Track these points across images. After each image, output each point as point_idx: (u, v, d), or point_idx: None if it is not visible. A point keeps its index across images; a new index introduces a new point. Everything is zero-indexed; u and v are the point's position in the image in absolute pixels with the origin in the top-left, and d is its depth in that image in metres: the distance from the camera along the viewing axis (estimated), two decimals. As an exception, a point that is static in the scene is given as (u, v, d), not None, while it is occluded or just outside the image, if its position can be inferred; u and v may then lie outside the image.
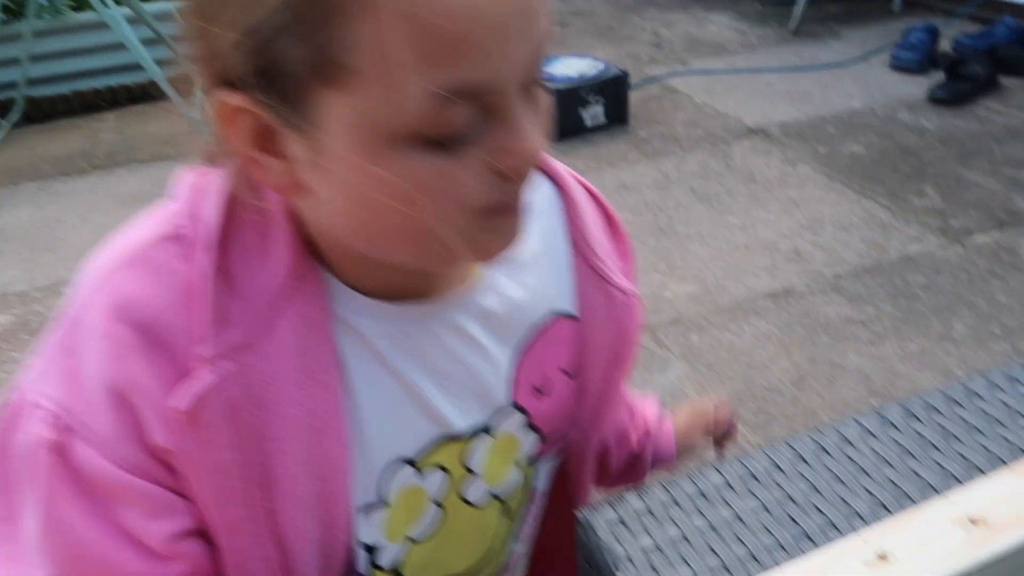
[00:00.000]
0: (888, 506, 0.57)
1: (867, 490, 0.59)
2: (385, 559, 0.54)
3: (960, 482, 0.58)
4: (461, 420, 0.53)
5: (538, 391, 0.57)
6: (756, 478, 0.61)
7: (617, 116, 2.94)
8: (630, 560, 0.54)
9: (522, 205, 0.46)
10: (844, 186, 2.58)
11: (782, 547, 0.54)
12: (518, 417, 0.56)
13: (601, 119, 2.93)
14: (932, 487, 0.58)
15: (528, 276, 0.55)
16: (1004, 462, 0.60)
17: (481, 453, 0.55)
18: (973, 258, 2.18)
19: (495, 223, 0.44)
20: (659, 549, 0.55)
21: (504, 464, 0.57)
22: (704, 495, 0.59)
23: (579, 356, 0.59)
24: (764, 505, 0.58)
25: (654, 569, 0.53)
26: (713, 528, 0.56)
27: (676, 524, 0.57)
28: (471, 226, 0.43)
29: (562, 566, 0.71)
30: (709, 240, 2.32)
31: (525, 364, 0.55)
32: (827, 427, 0.65)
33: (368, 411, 0.49)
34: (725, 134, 2.94)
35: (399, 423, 0.51)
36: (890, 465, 0.61)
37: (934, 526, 0.45)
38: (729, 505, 0.58)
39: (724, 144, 2.88)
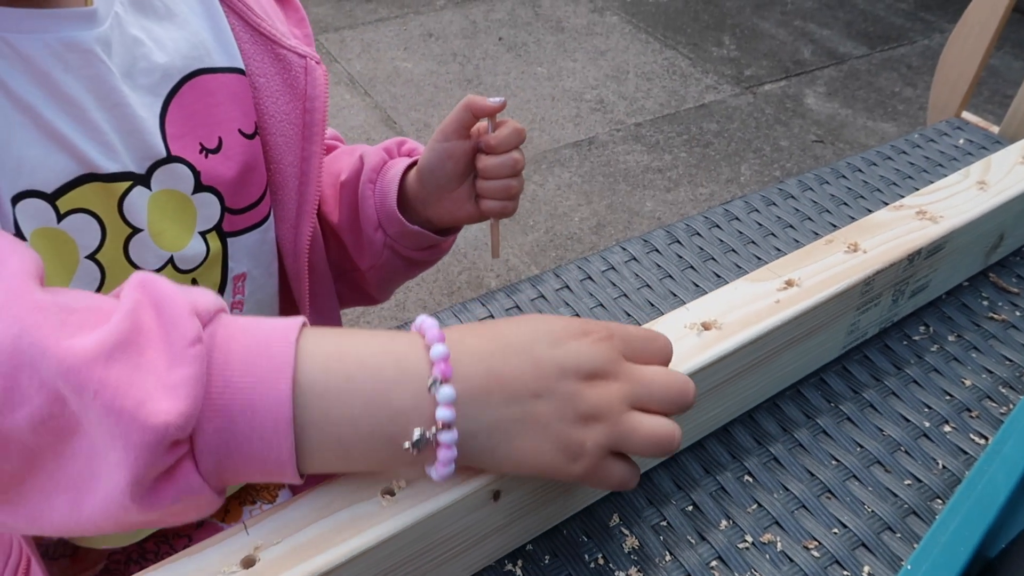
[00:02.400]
0: (641, 322, 0.57)
1: (625, 312, 0.59)
2: None
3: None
4: (105, 160, 0.47)
5: (206, 148, 0.53)
6: (519, 308, 0.59)
7: (421, -43, 2.76)
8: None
9: None
10: (649, 36, 2.60)
11: (538, 372, 0.54)
12: (183, 171, 0.51)
13: (404, -40, 2.73)
14: (683, 301, 0.59)
15: (165, 23, 0.51)
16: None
17: (140, 205, 0.49)
18: (762, 106, 2.29)
19: None
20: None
21: (176, 225, 0.52)
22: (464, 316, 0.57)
23: (256, 119, 0.56)
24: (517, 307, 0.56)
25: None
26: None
27: (433, 359, 0.54)
28: None
29: None
30: (516, 91, 2.28)
31: (174, 114, 0.51)
32: (594, 255, 0.64)
33: None
34: (534, -20, 2.85)
35: (24, 150, 0.43)
36: (648, 287, 0.61)
37: (671, 331, 0.45)
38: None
39: (533, -9, 2.79)
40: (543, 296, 0.60)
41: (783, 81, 2.40)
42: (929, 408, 0.52)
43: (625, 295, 0.60)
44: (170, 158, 0.50)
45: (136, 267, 0.50)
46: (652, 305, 0.59)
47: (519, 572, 0.43)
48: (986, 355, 0.56)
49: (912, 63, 2.52)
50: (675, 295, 0.60)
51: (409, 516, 0.35)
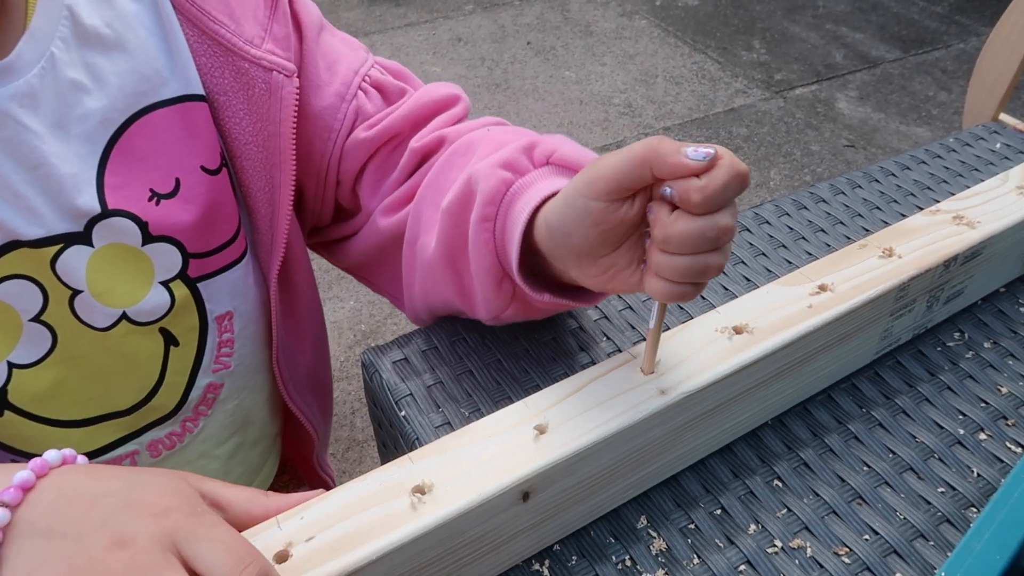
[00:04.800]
0: (671, 325, 0.57)
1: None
2: None
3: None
4: (27, 225, 0.44)
5: (157, 195, 0.48)
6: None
7: (451, -38, 2.78)
8: (412, 397, 0.52)
9: None
10: (678, 40, 2.59)
11: (567, 375, 0.54)
12: (125, 225, 0.47)
13: (434, -35, 2.75)
14: (713, 305, 0.59)
15: (113, 54, 0.46)
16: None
17: (76, 266, 0.46)
18: (792, 110, 2.27)
19: None
20: (441, 384, 0.53)
21: (127, 281, 0.49)
22: (494, 331, 0.57)
23: (222, 148, 0.50)
24: (554, 337, 0.57)
25: (436, 405, 0.51)
26: (500, 362, 0.54)
27: (463, 359, 0.55)
28: None
29: (316, 393, 0.66)
30: (544, 95, 2.28)
31: (116, 162, 0.46)
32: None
33: None
34: (563, -16, 2.85)
35: None
36: (678, 290, 0.61)
37: (701, 335, 0.45)
38: (519, 338, 0.56)
39: (562, -5, 2.80)
40: (572, 298, 0.60)
41: (814, 85, 2.37)
42: (964, 415, 0.51)
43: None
44: (107, 212, 0.46)
45: (87, 326, 0.48)
46: (681, 308, 0.59)
47: (546, 572, 0.43)
48: (1023, 362, 0.55)
49: (947, 67, 2.49)
50: (704, 298, 0.60)
51: (440, 515, 0.36)
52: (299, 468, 0.74)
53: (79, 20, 0.45)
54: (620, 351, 0.54)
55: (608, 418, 0.40)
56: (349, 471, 1.30)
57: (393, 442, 0.53)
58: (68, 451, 0.36)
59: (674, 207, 0.36)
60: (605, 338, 0.56)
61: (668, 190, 0.36)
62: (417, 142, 0.55)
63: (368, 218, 0.58)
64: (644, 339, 0.53)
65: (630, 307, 0.59)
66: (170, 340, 0.52)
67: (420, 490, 0.37)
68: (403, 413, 0.51)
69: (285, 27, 0.51)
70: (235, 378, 0.57)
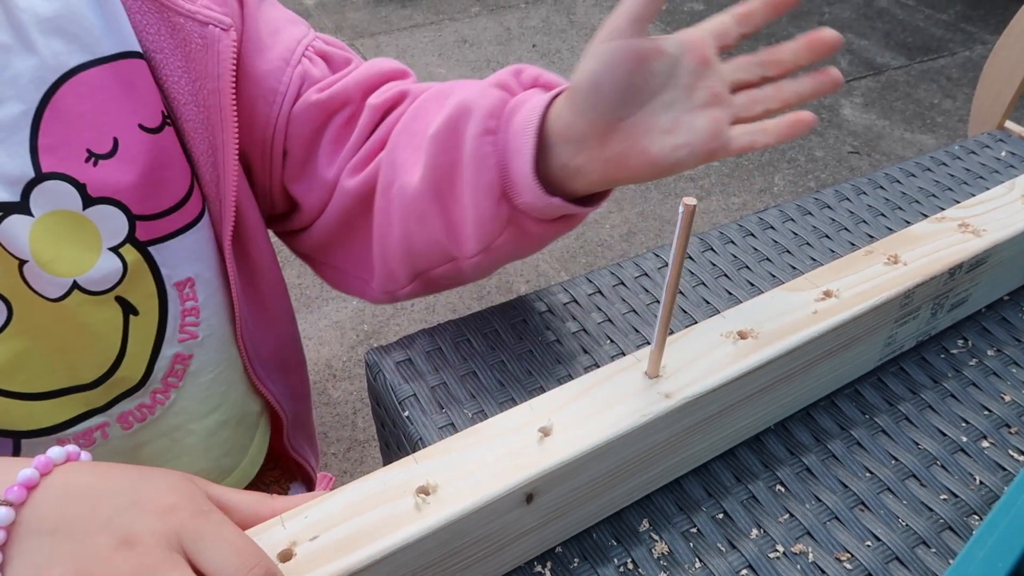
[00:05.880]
0: (675, 330, 0.57)
1: (656, 315, 0.59)
2: None
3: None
4: None
5: (95, 155, 0.46)
6: (552, 311, 0.59)
7: (457, -36, 2.78)
8: (415, 397, 0.52)
9: None
10: (682, 44, 2.59)
11: (571, 377, 0.54)
12: (63, 188, 0.45)
13: (440, -33, 2.75)
14: (717, 310, 0.59)
15: (29, 14, 0.44)
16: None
17: (17, 234, 0.45)
18: (796, 116, 2.27)
19: None
20: (445, 385, 0.53)
21: (74, 247, 0.47)
22: (497, 332, 0.57)
23: (164, 106, 0.49)
24: (558, 339, 0.57)
25: (440, 406, 0.51)
26: (504, 364, 0.54)
27: (467, 360, 0.55)
28: None
29: (284, 372, 0.65)
30: (549, 97, 2.28)
31: (49, 123, 0.45)
32: (627, 261, 0.64)
33: None
34: (569, -13, 2.85)
35: None
36: (681, 293, 0.61)
37: (706, 340, 0.45)
38: (523, 340, 0.56)
39: (568, -2, 2.80)
40: (575, 300, 0.60)
41: (819, 91, 2.38)
42: (967, 423, 0.51)
43: (657, 301, 0.60)
44: (42, 176, 0.44)
45: (40, 296, 0.47)
46: (685, 312, 0.59)
47: (548, 574, 0.43)
48: (1026, 371, 0.55)
49: (952, 75, 2.49)
50: (708, 302, 0.60)
51: (444, 515, 0.36)
52: (283, 459, 0.73)
53: None
54: (624, 354, 0.54)
55: (613, 421, 0.40)
56: (351, 471, 1.30)
57: (396, 443, 0.54)
58: (72, 448, 0.36)
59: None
60: (609, 340, 0.57)
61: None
62: (376, 99, 0.55)
63: (323, 190, 0.56)
64: (648, 343, 0.53)
65: (634, 311, 0.59)
66: (128, 309, 0.51)
67: (424, 491, 0.37)
68: (407, 414, 0.51)
69: None
70: (206, 350, 0.56)
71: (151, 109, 0.48)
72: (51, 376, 0.50)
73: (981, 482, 0.48)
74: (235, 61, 0.49)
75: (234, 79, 0.49)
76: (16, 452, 0.50)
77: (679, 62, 0.43)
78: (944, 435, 0.51)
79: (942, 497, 0.47)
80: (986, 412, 0.52)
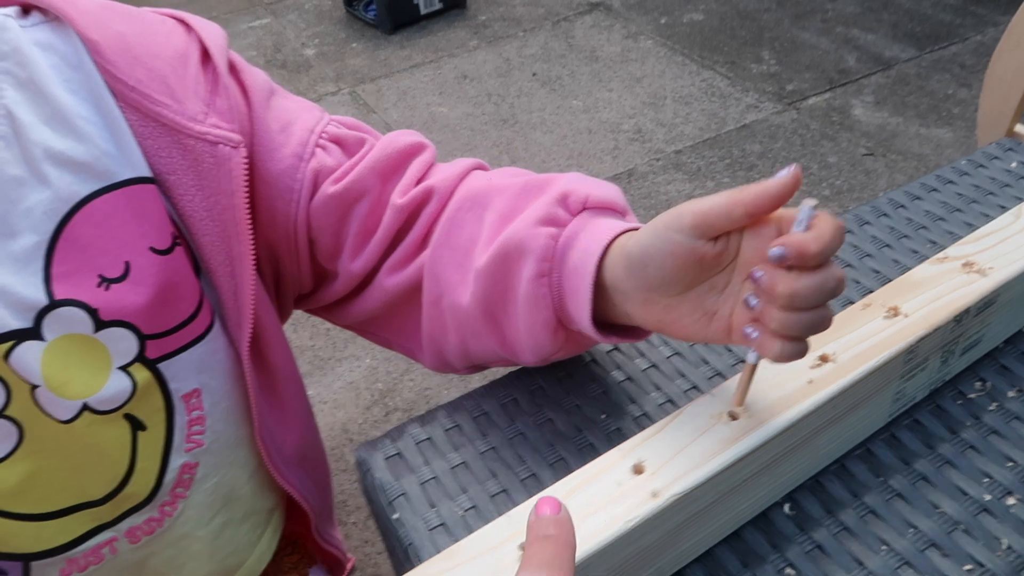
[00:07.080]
0: (652, 413, 0.55)
1: (703, 359, 0.57)
2: None
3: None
4: None
5: (106, 280, 0.47)
6: (545, 392, 0.57)
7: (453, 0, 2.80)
8: (405, 496, 0.50)
9: None
10: (685, 57, 2.56)
11: (565, 462, 0.51)
12: (75, 314, 0.46)
13: (436, 4, 2.77)
14: (719, 373, 0.56)
15: (42, 148, 0.45)
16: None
17: (30, 360, 0.46)
18: (806, 121, 2.23)
19: None
20: (437, 479, 0.51)
21: (85, 371, 0.47)
22: (488, 415, 0.55)
23: (174, 227, 0.50)
24: (553, 419, 0.55)
25: (431, 504, 0.49)
26: (495, 451, 0.52)
27: (457, 451, 0.53)
28: None
29: (307, 468, 0.64)
30: (552, 126, 2.27)
31: (63, 250, 0.46)
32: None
33: None
34: (566, 11, 2.85)
35: None
36: (679, 354, 0.59)
37: (695, 421, 0.42)
38: (514, 423, 0.54)
39: (566, 22, 2.80)
40: (570, 376, 0.58)
41: (828, 93, 2.33)
42: (989, 478, 0.48)
43: (656, 366, 0.58)
44: (55, 303, 0.45)
45: (51, 418, 0.47)
46: (682, 375, 0.57)
47: None
48: (1051, 414, 0.52)
49: (965, 62, 2.43)
50: (707, 362, 0.58)
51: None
52: (301, 542, 0.72)
53: (16, 119, 0.45)
54: (593, 441, 0.52)
55: (601, 527, 0.38)
56: (371, 540, 1.28)
57: (390, 547, 0.52)
58: None
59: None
60: (603, 414, 0.54)
61: (779, 250, 0.37)
62: (401, 198, 0.54)
63: (349, 278, 0.57)
64: (635, 423, 0.51)
65: (654, 367, 0.57)
66: (136, 425, 0.51)
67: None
68: (396, 516, 0.49)
69: (227, 100, 0.50)
70: (211, 455, 0.55)
71: (161, 232, 0.49)
72: (60, 495, 0.50)
73: (1009, 546, 0.45)
74: (247, 176, 0.49)
75: (247, 193, 0.50)
76: (26, 575, 0.50)
77: (735, 255, 0.41)
78: (965, 494, 0.48)
79: (966, 567, 0.44)
80: (1010, 463, 0.49)
